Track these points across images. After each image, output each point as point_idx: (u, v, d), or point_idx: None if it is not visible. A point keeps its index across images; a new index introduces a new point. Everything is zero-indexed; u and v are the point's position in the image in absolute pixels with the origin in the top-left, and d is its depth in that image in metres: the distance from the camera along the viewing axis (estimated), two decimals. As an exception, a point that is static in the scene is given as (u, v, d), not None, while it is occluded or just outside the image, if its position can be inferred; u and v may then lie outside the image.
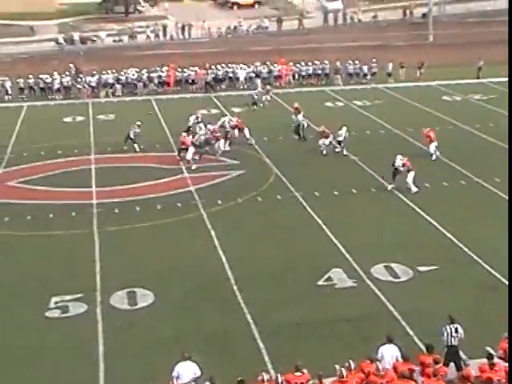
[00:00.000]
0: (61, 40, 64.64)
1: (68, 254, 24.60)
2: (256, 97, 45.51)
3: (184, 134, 34.63)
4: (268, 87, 47.91)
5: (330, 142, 34.81)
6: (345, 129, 35.28)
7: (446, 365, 16.26)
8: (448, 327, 16.99)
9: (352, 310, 20.43)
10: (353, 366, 15.34)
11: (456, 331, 16.92)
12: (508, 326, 15.91)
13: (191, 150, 33.42)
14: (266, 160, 34.31)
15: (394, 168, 29.93)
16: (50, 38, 66.34)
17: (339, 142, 35.11)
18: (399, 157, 30.20)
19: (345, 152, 34.85)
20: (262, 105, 45.27)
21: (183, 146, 33.76)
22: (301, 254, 24.04)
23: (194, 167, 32.87)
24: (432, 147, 33.90)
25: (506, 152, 34.11)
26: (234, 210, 28.37)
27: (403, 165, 29.81)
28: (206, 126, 35.89)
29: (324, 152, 34.58)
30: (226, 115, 40.13)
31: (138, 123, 36.10)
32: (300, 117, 38.32)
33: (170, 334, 19.36)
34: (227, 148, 35.61)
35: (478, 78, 52.55)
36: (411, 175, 29.63)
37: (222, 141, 35.30)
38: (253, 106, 44.86)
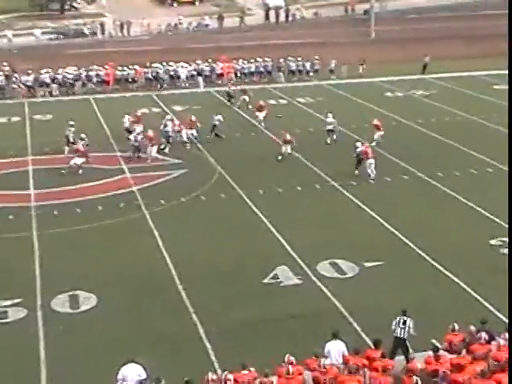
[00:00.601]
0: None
1: (6, 258, 23.86)
2: (231, 91, 45.16)
3: (82, 140, 33.18)
4: (245, 87, 46.76)
5: (292, 149, 33.49)
6: (331, 115, 35.71)
7: (392, 357, 16.18)
8: (398, 318, 17.08)
9: (298, 307, 20.29)
10: (292, 359, 15.18)
11: (404, 323, 16.94)
12: (508, 329, 15.91)
13: (81, 158, 32.11)
14: (210, 159, 33.98)
15: (356, 156, 30.54)
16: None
17: (330, 131, 35.48)
18: (358, 144, 30.91)
19: (335, 137, 35.48)
20: (238, 102, 43.97)
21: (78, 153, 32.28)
22: (246, 253, 23.82)
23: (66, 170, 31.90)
24: (377, 136, 34.38)
25: (448, 147, 34.53)
26: (178, 210, 28.00)
27: (363, 153, 30.20)
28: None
29: (279, 158, 33.27)
30: (168, 114, 39.72)
31: (71, 123, 35.19)
32: (261, 115, 38.50)
33: (114, 337, 18.97)
34: (165, 151, 34.87)
35: (424, 74, 52.82)
36: (369, 162, 30.20)
37: (155, 148, 33.73)
38: (229, 101, 44.54)
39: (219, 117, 37.18)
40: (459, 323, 16.74)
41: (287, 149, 33.28)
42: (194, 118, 36.86)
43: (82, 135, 33.54)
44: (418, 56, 53.46)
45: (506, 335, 16.00)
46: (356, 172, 30.60)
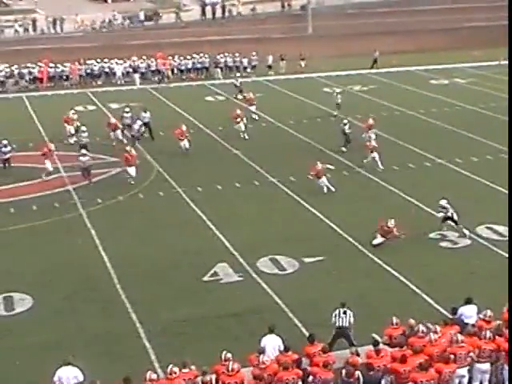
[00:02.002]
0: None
1: None
2: (239, 84, 45.05)
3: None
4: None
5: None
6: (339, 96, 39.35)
7: (330, 349, 16.03)
8: (337, 310, 17.14)
9: (239, 305, 20.14)
10: (228, 356, 15.02)
11: (344, 313, 17.05)
12: (508, 328, 15.94)
13: None
14: (147, 156, 33.54)
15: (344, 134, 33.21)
16: None
17: (337, 104, 39.57)
18: (345, 121, 33.53)
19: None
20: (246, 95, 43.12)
21: None
22: (185, 250, 23.56)
23: None
24: (371, 134, 33.75)
25: (387, 141, 34.67)
26: (115, 209, 27.57)
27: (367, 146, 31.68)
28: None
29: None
30: (103, 111, 39.15)
31: None
32: (243, 126, 36.60)
33: (51, 339, 18.53)
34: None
35: (374, 68, 52.96)
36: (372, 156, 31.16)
37: (133, 168, 29.86)
38: (240, 93, 44.31)
39: (148, 114, 36.27)
40: (399, 316, 16.75)
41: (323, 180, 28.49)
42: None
43: None
44: (356, 51, 53.87)
45: (438, 328, 16.05)
46: (343, 149, 33.09)
